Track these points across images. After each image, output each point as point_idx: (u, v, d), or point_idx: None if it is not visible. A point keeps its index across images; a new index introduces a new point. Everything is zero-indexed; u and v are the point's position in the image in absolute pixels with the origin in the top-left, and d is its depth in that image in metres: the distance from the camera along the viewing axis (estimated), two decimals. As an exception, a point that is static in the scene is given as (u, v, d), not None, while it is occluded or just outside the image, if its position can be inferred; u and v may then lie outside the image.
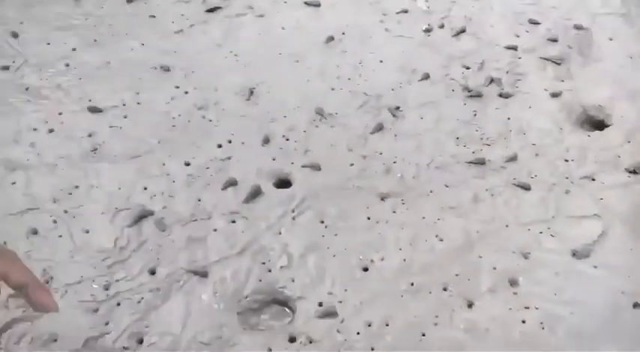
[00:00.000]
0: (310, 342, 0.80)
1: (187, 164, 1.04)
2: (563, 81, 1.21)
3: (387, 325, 0.83)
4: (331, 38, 1.30)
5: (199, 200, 0.98)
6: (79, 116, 1.10)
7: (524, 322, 0.82)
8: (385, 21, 1.36)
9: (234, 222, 0.95)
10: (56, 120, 1.08)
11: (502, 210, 0.98)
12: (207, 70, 1.23)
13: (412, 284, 0.87)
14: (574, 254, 0.90)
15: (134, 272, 0.87)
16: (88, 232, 0.91)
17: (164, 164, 1.03)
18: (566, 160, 1.07)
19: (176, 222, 0.94)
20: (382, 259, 0.90)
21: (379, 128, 1.13)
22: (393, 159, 1.07)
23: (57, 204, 0.94)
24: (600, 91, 1.18)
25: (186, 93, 1.17)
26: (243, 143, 1.10)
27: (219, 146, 1.09)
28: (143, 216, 0.93)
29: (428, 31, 1.31)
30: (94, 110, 1.10)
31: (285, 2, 1.39)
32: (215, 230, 0.93)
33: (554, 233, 0.94)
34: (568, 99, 1.18)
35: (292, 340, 0.81)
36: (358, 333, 0.81)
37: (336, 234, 0.94)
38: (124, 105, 1.12)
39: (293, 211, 0.97)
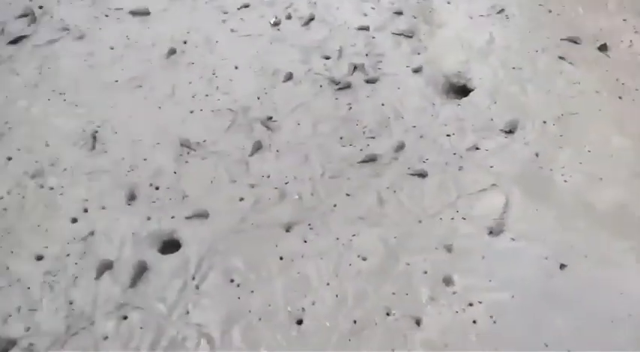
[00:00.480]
0: None
1: (39, 258, 0.79)
2: (419, 53, 1.17)
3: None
4: (172, 50, 1.09)
5: (71, 303, 0.75)
6: None
7: (475, 322, 0.78)
8: (228, 20, 1.17)
9: (125, 317, 0.75)
10: None
11: (409, 205, 0.92)
12: (29, 122, 0.95)
13: (355, 322, 0.77)
14: (490, 232, 0.88)
15: None
16: None
17: (8, 268, 0.77)
18: (448, 135, 1.04)
19: (50, 345, 0.71)
20: (313, 303, 0.78)
21: (257, 147, 0.98)
22: (283, 180, 0.94)
23: None
24: (454, 57, 1.17)
25: (9, 159, 0.90)
26: (103, 208, 0.87)
27: (74, 220, 0.85)
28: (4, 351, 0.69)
29: (276, 24, 1.17)
30: None
31: (107, 16, 1.13)
32: (106, 338, 0.72)
33: (465, 215, 0.90)
34: (429, 72, 1.14)
35: None
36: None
37: (252, 291, 0.79)
38: None
39: (193, 278, 0.80)
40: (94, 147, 0.92)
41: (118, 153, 0.91)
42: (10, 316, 0.68)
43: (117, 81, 1.01)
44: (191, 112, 0.99)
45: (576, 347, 0.72)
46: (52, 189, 0.85)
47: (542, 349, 0.73)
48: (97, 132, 0.94)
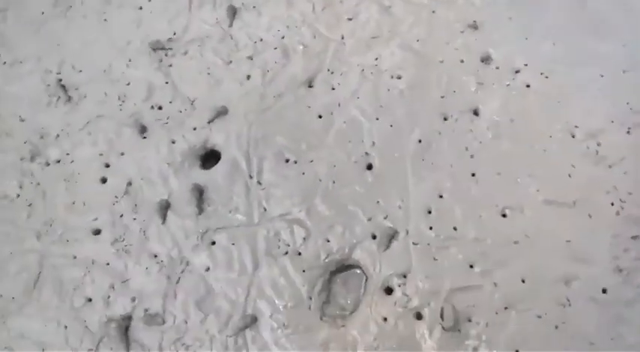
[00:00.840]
0: None
1: (97, 232, 0.75)
2: None
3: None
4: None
5: (156, 256, 0.73)
6: None
7: (529, 86, 0.75)
8: None
9: (214, 243, 0.73)
10: None
11: (415, 2, 0.80)
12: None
13: (419, 141, 0.74)
14: None
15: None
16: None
17: (75, 256, 0.75)
18: None
19: (163, 301, 0.71)
20: (373, 143, 0.75)
21: (233, 13, 0.85)
22: (277, 35, 0.82)
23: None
24: None
25: None
26: (122, 154, 0.80)
27: (103, 180, 0.78)
28: None
29: None
30: None
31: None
32: (208, 269, 0.72)
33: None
34: None
35: None
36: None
37: (311, 161, 0.75)
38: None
39: (251, 177, 0.76)
40: (69, 99, 0.80)
41: (97, 91, 0.79)
42: (108, 297, 0.67)
43: (43, 13, 0.83)
44: (140, 9, 0.83)
45: None
46: (59, 161, 0.76)
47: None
48: (60, 80, 0.81)
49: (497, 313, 0.59)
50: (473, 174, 0.65)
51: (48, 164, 0.78)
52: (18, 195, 0.77)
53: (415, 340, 0.59)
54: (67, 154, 0.78)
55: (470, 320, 0.59)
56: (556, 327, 0.57)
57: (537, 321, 0.58)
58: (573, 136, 0.66)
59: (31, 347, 0.67)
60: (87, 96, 0.81)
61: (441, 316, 0.59)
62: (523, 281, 0.59)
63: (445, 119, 0.68)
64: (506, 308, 0.59)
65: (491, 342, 0.57)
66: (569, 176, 0.63)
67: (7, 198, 0.76)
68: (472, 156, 0.65)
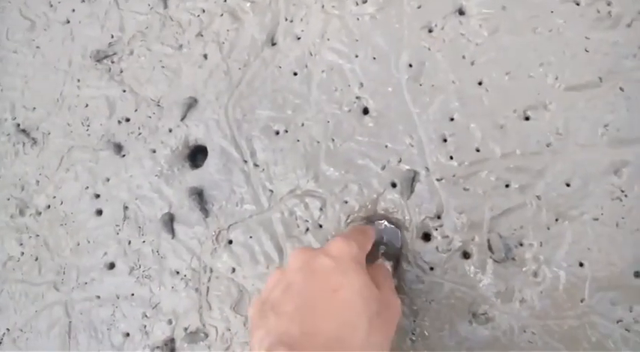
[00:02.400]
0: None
1: (111, 266, 0.71)
2: None
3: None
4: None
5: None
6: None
7: None
8: None
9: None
10: None
11: None
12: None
13: (410, 65, 0.64)
14: None
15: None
16: None
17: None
18: None
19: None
20: (361, 84, 0.66)
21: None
22: (217, -3, 0.72)
23: None
24: None
25: None
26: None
27: (97, 196, 0.73)
28: None
29: None
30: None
31: None
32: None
33: None
34: None
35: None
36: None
37: (302, 124, 0.67)
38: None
39: (245, 161, 0.68)
40: (34, 141, 0.73)
41: (59, 124, 0.72)
42: (145, 327, 0.62)
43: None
44: (68, 22, 0.74)
45: None
46: (49, 207, 0.71)
47: None
48: (18, 125, 0.74)
49: (548, 228, 0.52)
50: (480, 83, 0.56)
51: (39, 213, 0.72)
52: (22, 253, 0.72)
53: (469, 281, 0.53)
54: (54, 197, 0.72)
55: (521, 245, 0.52)
56: (617, 225, 0.50)
57: (595, 224, 0.51)
58: (578, 4, 0.55)
59: (89, 396, 0.64)
60: (50, 132, 0.74)
61: (490, 248, 0.52)
62: (568, 185, 0.51)
63: (430, 31, 0.58)
64: (557, 219, 0.52)
65: (551, 261, 0.51)
66: (587, 51, 0.53)
67: (13, 259, 0.72)
68: (473, 63, 0.56)
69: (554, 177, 0.55)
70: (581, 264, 0.53)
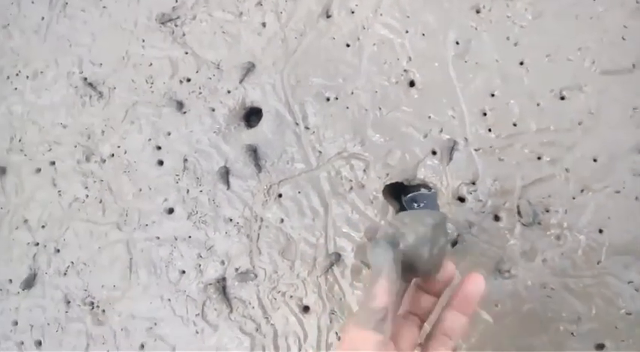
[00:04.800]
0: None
1: (170, 212, 0.78)
2: None
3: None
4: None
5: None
6: None
7: None
8: None
9: (280, 195, 0.74)
10: None
11: None
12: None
13: (457, 43, 0.69)
14: None
15: None
16: None
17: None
18: None
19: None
20: (409, 58, 0.71)
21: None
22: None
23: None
24: None
25: (53, 164, 0.82)
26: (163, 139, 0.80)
27: (160, 163, 0.80)
28: None
29: None
30: None
31: None
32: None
33: None
34: None
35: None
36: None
37: (352, 93, 0.73)
38: None
39: (297, 124, 0.74)
40: (100, 94, 0.79)
41: (124, 80, 0.78)
42: (199, 266, 0.69)
43: (43, 18, 0.81)
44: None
45: None
46: (113, 156, 0.78)
47: None
48: (85, 78, 0.80)
49: (574, 198, 0.57)
50: (521, 63, 0.61)
51: (104, 161, 0.79)
52: (87, 196, 0.79)
53: (498, 241, 0.59)
54: (119, 147, 0.79)
55: (548, 211, 0.58)
56: (636, 198, 0.55)
57: (616, 196, 0.56)
58: (619, -7, 0.60)
59: (144, 323, 0.72)
60: (116, 87, 0.80)
61: (519, 213, 0.58)
62: (595, 161, 0.57)
63: (477, 11, 0.63)
64: (582, 190, 0.58)
65: (573, 227, 0.57)
66: (623, 39, 0.58)
67: (78, 200, 0.79)
68: (516, 44, 0.61)
69: (583, 152, 0.61)
70: (600, 231, 0.60)
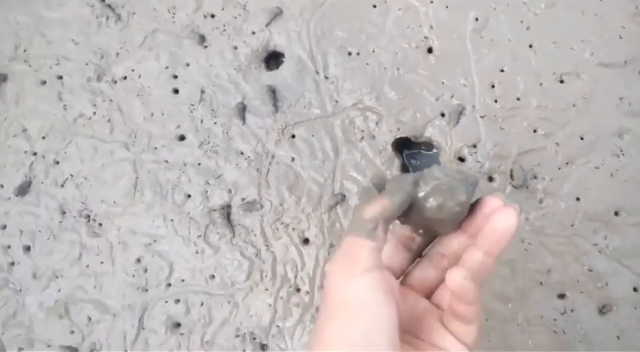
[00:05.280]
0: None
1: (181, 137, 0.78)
2: None
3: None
4: None
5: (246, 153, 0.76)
6: None
7: None
8: None
9: (293, 136, 0.77)
10: None
11: None
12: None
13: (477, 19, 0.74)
14: None
15: None
16: None
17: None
18: None
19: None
20: (431, 26, 0.76)
21: None
22: None
23: None
24: None
25: (61, 78, 0.79)
26: (187, 65, 0.80)
27: (176, 91, 0.79)
28: None
29: None
30: None
31: None
32: (293, 160, 0.76)
33: None
34: None
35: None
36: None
37: (373, 51, 0.76)
38: None
39: (317, 72, 0.77)
40: (118, 17, 0.78)
41: (145, 7, 0.77)
42: (206, 192, 0.70)
43: None
44: None
45: None
46: (125, 78, 0.76)
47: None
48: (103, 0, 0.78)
49: (559, 168, 0.64)
50: (530, 46, 0.66)
51: (115, 82, 0.77)
52: (94, 113, 0.77)
53: (489, 199, 0.65)
54: (133, 70, 0.77)
55: (535, 178, 0.65)
56: (611, 175, 0.62)
57: (595, 171, 0.63)
58: (622, -2, 0.65)
59: (143, 239, 0.72)
60: (135, 12, 0.78)
61: (511, 176, 0.64)
62: (582, 139, 0.64)
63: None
64: (567, 163, 0.64)
65: (555, 194, 0.63)
66: (620, 37, 0.65)
67: (84, 117, 0.77)
68: (528, 28, 0.66)
69: (573, 130, 0.68)
70: (577, 199, 0.67)
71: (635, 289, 0.58)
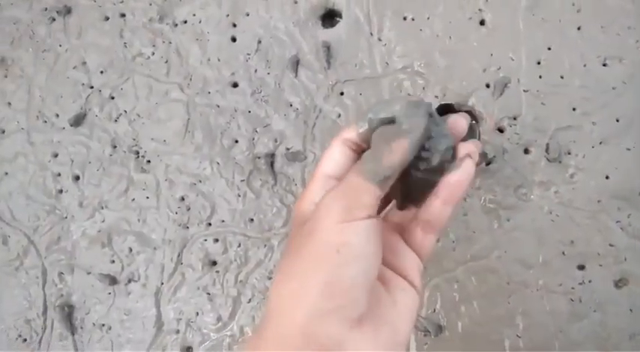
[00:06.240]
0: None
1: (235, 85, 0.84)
2: None
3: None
4: None
5: (291, 104, 0.83)
6: None
7: None
8: None
9: (341, 93, 0.82)
10: None
11: None
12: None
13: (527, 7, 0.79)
14: None
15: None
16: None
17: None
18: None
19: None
20: None
21: None
22: None
23: None
24: None
25: (107, 19, 0.85)
26: (247, 14, 0.85)
27: (235, 39, 0.85)
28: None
29: None
30: None
31: None
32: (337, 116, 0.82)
33: None
34: None
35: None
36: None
37: (427, 18, 0.82)
38: None
39: (371, 34, 0.83)
40: (185, -40, 0.83)
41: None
42: (253, 139, 0.77)
43: None
44: None
45: None
46: (186, 22, 0.82)
47: None
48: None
49: (593, 147, 0.70)
50: (579, 28, 0.72)
51: (176, 24, 0.83)
52: (153, 53, 0.83)
53: (523, 169, 0.71)
54: (194, 15, 0.83)
55: (569, 153, 0.71)
56: (641, 157, 0.68)
57: (626, 153, 0.69)
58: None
59: (189, 178, 0.79)
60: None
61: (546, 150, 0.71)
62: (617, 121, 0.69)
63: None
64: (600, 142, 0.70)
65: (587, 170, 0.69)
66: (665, 29, 0.70)
67: (143, 56, 0.83)
68: (579, 11, 0.72)
69: (610, 112, 0.74)
70: (607, 177, 0.73)
71: (651, 266, 0.65)
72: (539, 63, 0.70)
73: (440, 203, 0.33)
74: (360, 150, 0.34)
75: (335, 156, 0.34)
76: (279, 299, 0.27)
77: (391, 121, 0.32)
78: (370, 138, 0.32)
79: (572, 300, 0.66)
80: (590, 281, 0.66)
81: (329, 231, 0.27)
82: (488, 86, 0.70)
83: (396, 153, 0.29)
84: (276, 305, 0.27)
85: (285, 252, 0.30)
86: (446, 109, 0.73)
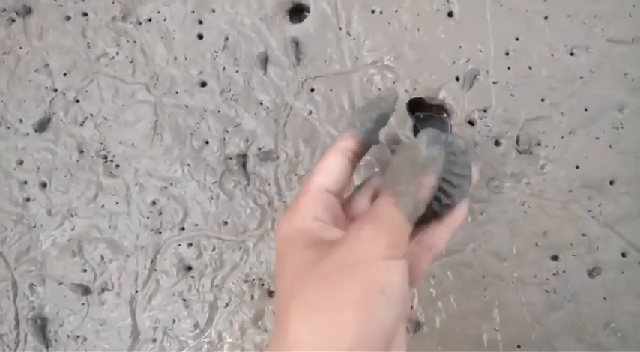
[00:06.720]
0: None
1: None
2: None
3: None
4: None
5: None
6: None
7: None
8: None
9: (312, 90, 0.83)
10: None
11: None
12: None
13: None
14: None
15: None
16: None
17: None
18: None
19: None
20: None
21: None
22: None
23: None
24: None
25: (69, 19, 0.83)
26: (213, 10, 0.85)
27: (200, 36, 0.84)
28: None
29: None
30: None
31: None
32: (310, 112, 0.82)
33: None
34: None
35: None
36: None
37: (396, 11, 0.82)
38: None
39: (340, 28, 0.83)
40: (146, -43, 0.82)
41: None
42: (224, 139, 0.77)
43: None
44: None
45: None
46: (150, 20, 0.81)
47: None
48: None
49: (562, 137, 0.72)
50: (545, 18, 0.73)
51: (140, 23, 0.82)
52: (117, 53, 0.83)
53: (494, 162, 0.72)
54: (158, 13, 0.82)
55: (539, 144, 0.72)
56: (609, 146, 0.70)
57: (594, 142, 0.71)
58: (634, -20, 0.72)
59: (159, 182, 0.79)
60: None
61: (517, 142, 0.72)
62: (585, 110, 0.71)
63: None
64: (570, 132, 0.72)
65: (556, 160, 0.71)
66: (630, 16, 0.72)
67: (107, 56, 0.82)
68: (545, 1, 0.73)
69: (578, 101, 0.75)
70: (577, 167, 0.75)
71: (623, 254, 0.66)
72: (507, 54, 0.71)
73: (447, 230, 0.36)
74: (358, 158, 0.35)
75: (331, 168, 0.33)
76: (302, 336, 0.25)
77: (384, 117, 0.37)
78: (366, 140, 0.35)
79: (547, 291, 0.67)
80: (564, 272, 0.68)
81: (376, 267, 0.26)
82: (457, 79, 0.71)
83: (427, 189, 0.30)
84: (296, 339, 0.25)
85: (299, 276, 0.28)
86: (417, 104, 0.74)
